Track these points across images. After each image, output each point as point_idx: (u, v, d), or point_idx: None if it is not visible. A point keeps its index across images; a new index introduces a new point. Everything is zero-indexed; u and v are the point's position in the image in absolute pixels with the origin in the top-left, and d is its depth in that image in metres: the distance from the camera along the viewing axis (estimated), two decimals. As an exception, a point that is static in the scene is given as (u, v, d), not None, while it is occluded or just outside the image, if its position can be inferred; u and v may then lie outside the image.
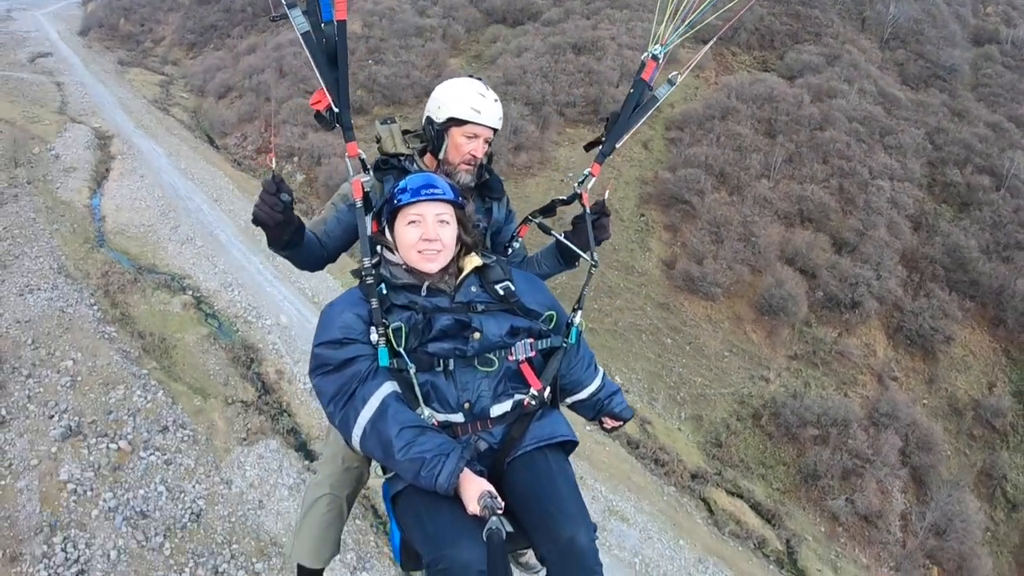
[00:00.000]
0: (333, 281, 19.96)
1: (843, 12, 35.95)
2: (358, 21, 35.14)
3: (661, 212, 24.38)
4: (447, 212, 2.81)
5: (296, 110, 29.34)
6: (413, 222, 2.75)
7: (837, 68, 30.95)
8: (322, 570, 3.67)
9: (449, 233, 2.80)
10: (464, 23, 34.09)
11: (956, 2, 39.44)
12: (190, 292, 17.05)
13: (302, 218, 2.97)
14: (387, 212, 2.81)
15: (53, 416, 11.23)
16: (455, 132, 3.26)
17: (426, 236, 2.73)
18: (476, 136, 3.27)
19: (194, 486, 11.12)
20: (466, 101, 3.24)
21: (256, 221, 2.72)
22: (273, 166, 2.98)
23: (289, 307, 18.01)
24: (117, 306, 14.85)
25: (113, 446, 11.18)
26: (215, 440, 12.38)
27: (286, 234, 2.81)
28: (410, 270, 2.78)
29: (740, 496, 17.98)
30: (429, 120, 3.32)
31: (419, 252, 2.74)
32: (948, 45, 34.17)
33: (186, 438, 11.94)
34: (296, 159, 27.42)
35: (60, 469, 10.30)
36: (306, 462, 12.90)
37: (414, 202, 2.74)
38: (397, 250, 2.80)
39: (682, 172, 24.49)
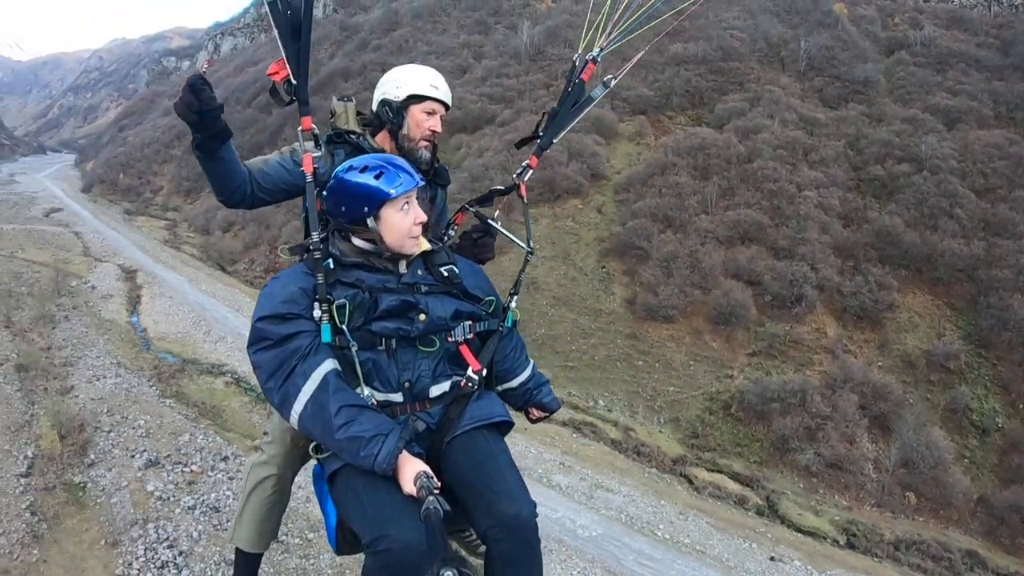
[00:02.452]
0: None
1: (761, 58, 40.54)
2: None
3: (618, 261, 27.86)
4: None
5: (293, 232, 33.21)
6: (404, 209, 2.78)
7: (760, 108, 35.07)
8: (261, 555, 3.74)
9: None
10: (431, 138, 37.97)
11: (865, 21, 44.38)
12: (229, 375, 20.83)
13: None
14: (375, 205, 2.73)
15: (135, 456, 13.93)
16: (415, 109, 3.38)
17: (419, 219, 2.81)
18: (434, 112, 3.42)
19: (253, 490, 14.54)
20: (424, 79, 3.39)
21: (176, 112, 2.73)
22: (203, 71, 2.81)
23: (311, 382, 21.73)
24: (171, 386, 18.61)
25: (187, 470, 14.14)
26: (266, 465, 15.88)
27: (200, 133, 2.79)
28: (368, 252, 2.84)
29: (720, 471, 20.17)
30: (385, 101, 3.41)
31: (412, 237, 2.82)
32: (861, 62, 38.75)
33: (243, 463, 15.40)
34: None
35: (147, 485, 13.15)
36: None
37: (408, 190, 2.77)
38: (383, 240, 2.78)
39: (631, 224, 28.21)
